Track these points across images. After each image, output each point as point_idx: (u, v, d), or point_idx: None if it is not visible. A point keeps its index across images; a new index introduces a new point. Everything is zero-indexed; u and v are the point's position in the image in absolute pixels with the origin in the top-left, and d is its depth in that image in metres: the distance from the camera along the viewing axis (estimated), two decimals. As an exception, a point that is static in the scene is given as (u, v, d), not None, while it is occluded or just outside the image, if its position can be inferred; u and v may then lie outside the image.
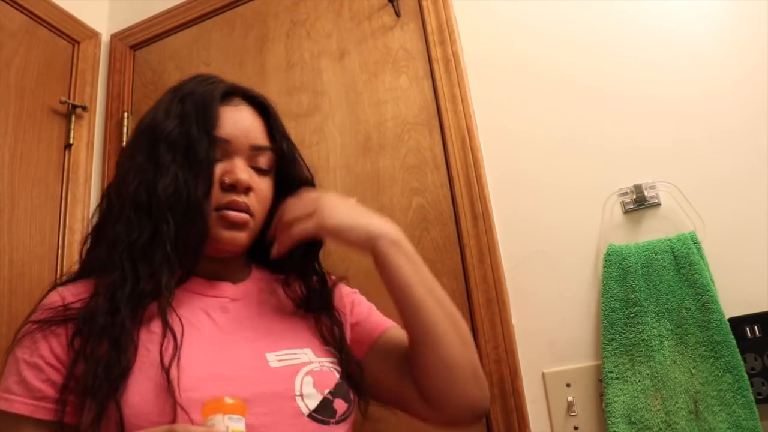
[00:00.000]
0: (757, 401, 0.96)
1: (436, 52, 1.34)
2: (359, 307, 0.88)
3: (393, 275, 0.75)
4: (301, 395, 0.69)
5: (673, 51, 1.20)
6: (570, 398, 1.10)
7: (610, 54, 1.24)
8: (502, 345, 1.13)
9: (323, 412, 0.70)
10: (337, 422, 0.71)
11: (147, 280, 0.68)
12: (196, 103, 0.76)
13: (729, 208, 1.09)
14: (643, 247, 1.09)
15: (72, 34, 1.63)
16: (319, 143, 1.39)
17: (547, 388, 1.13)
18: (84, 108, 1.59)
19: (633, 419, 1.00)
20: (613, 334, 1.06)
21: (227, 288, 0.79)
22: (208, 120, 0.74)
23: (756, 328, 1.01)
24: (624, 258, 1.09)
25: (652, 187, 1.14)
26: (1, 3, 1.44)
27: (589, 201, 1.17)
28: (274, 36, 1.54)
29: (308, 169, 0.88)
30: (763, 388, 0.98)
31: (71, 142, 1.54)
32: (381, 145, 1.33)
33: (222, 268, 0.80)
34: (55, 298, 0.71)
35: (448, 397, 0.75)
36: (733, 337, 0.98)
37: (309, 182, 0.86)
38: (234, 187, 0.75)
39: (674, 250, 1.06)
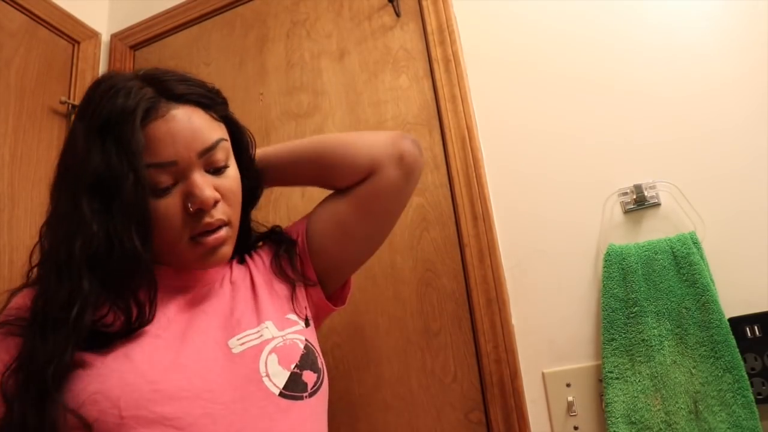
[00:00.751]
0: (757, 401, 0.96)
1: (436, 52, 1.34)
2: (293, 228, 0.90)
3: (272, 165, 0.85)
4: (267, 375, 0.68)
5: (672, 50, 1.20)
6: (570, 398, 1.10)
7: (610, 54, 1.24)
8: (502, 345, 1.13)
9: (294, 387, 0.69)
10: (311, 394, 0.70)
11: (46, 356, 0.61)
12: (117, 132, 0.65)
13: (729, 208, 1.09)
14: (643, 247, 1.09)
15: (72, 34, 1.63)
16: (319, 143, 1.39)
17: (547, 388, 1.13)
18: (84, 108, 1.59)
19: (633, 419, 1.00)
20: (613, 334, 1.06)
21: (191, 276, 0.77)
22: (132, 151, 0.64)
23: (756, 328, 1.01)
24: (624, 258, 1.09)
25: (652, 187, 1.14)
26: (1, 3, 1.44)
27: (589, 201, 1.17)
28: (274, 36, 1.54)
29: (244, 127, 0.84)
30: (763, 388, 0.98)
31: (71, 142, 1.53)
32: (381, 145, 1.33)
33: None
34: (20, 302, 0.68)
35: (366, 169, 0.82)
36: (733, 337, 0.98)
37: (251, 144, 0.84)
38: (202, 210, 0.70)
39: (674, 250, 1.06)
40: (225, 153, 0.74)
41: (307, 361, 0.72)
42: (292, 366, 0.70)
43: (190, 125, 0.70)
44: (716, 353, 0.99)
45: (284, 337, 0.73)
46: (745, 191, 1.09)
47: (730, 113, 1.13)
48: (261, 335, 0.72)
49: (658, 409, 0.99)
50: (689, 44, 1.19)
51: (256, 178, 0.85)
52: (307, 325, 0.80)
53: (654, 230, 1.13)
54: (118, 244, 0.64)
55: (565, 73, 1.26)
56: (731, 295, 1.03)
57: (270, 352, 0.70)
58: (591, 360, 1.11)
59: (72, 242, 0.64)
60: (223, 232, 0.72)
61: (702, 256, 1.05)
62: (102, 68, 1.71)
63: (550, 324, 1.15)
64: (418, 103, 1.33)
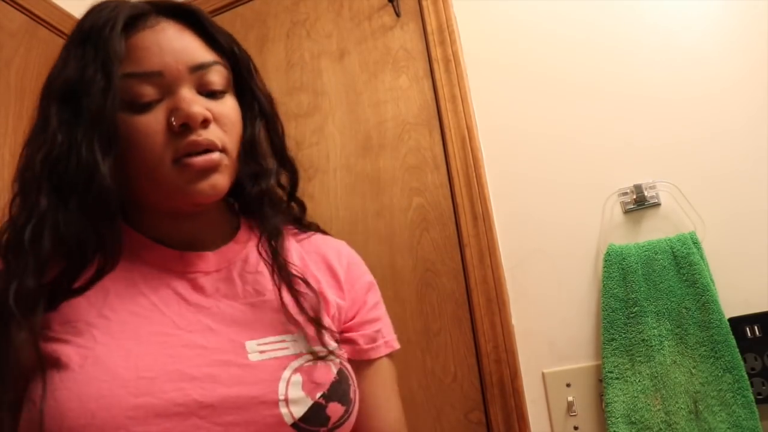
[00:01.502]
0: (757, 401, 0.96)
1: (436, 52, 1.34)
2: (370, 303, 0.72)
3: None
4: (286, 400, 0.55)
5: (672, 51, 1.20)
6: (570, 398, 1.10)
7: (610, 54, 1.24)
8: (502, 345, 1.13)
9: (312, 419, 0.56)
10: (330, 429, 0.58)
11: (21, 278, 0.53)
12: (95, 40, 0.58)
13: (729, 208, 1.09)
14: (643, 247, 1.09)
15: (72, 34, 1.63)
16: (319, 143, 1.39)
17: (547, 388, 1.13)
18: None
19: (633, 419, 1.00)
20: (613, 334, 1.06)
21: (200, 258, 0.64)
22: (107, 55, 0.57)
23: (756, 328, 1.01)
24: (624, 258, 1.09)
25: (652, 187, 1.14)
26: (1, 3, 1.44)
27: (589, 201, 1.17)
28: (274, 36, 1.54)
29: (265, 86, 0.72)
30: (763, 388, 0.98)
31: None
32: (381, 145, 1.33)
33: (195, 229, 0.65)
34: None
35: None
36: (733, 337, 0.98)
37: (269, 99, 0.71)
38: (187, 126, 0.58)
39: (674, 250, 1.06)
40: (223, 79, 0.63)
41: (337, 390, 0.59)
42: (318, 395, 0.57)
43: (182, 40, 0.61)
44: (716, 353, 0.99)
45: (316, 355, 0.60)
46: (745, 191, 1.09)
47: (730, 114, 1.13)
48: (287, 348, 0.59)
49: (658, 409, 0.99)
50: (689, 45, 1.19)
51: (289, 169, 0.71)
52: (337, 342, 0.65)
53: (654, 230, 1.13)
54: (76, 155, 0.55)
55: (565, 74, 1.26)
56: (731, 295, 1.03)
57: (294, 371, 0.57)
58: (591, 360, 1.11)
59: (35, 156, 0.57)
60: (215, 155, 0.59)
61: (702, 256, 1.05)
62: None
63: (550, 324, 1.15)
64: (418, 103, 1.33)
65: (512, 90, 1.30)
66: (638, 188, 1.14)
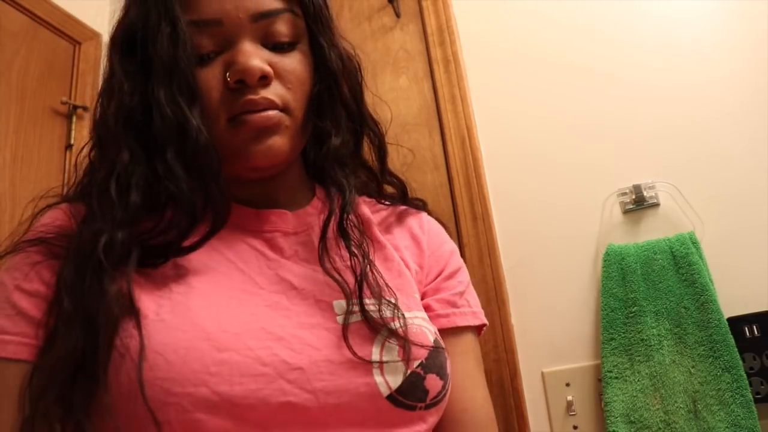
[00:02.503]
0: (756, 400, 0.96)
1: (436, 53, 1.34)
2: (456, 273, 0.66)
3: None
4: (381, 366, 0.49)
5: (672, 51, 1.20)
6: (569, 398, 1.11)
7: (610, 56, 1.24)
8: (501, 344, 1.13)
9: (409, 393, 0.49)
10: (427, 406, 0.51)
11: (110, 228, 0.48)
12: None
13: (728, 209, 1.09)
14: (642, 247, 1.09)
15: (73, 35, 1.63)
16: (319, 143, 1.39)
17: (547, 388, 1.13)
18: (85, 108, 1.59)
19: (632, 419, 1.00)
20: (612, 334, 1.06)
21: (278, 217, 0.58)
22: (169, 3, 0.52)
23: (755, 327, 1.01)
24: (623, 258, 1.09)
25: (651, 187, 1.14)
26: (2, 4, 1.44)
27: (589, 201, 1.18)
28: (274, 37, 1.54)
29: (339, 37, 0.63)
30: (762, 387, 0.99)
31: (72, 142, 1.54)
32: (381, 146, 1.34)
33: (268, 191, 0.59)
34: (58, 216, 0.54)
35: None
36: (731, 336, 0.98)
37: (352, 57, 0.65)
38: (244, 83, 0.52)
39: (673, 250, 1.07)
40: (292, 29, 0.56)
41: (435, 361, 0.53)
42: (416, 364, 0.51)
43: None
44: (715, 353, 0.99)
45: (411, 320, 0.54)
46: (743, 191, 1.09)
47: (729, 114, 1.13)
48: (377, 309, 0.52)
49: (657, 409, 1.00)
50: (689, 45, 1.19)
51: (370, 131, 0.65)
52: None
53: (653, 230, 1.13)
54: (158, 109, 0.50)
55: (565, 74, 1.26)
56: (730, 294, 1.04)
57: (389, 335, 0.51)
58: (590, 359, 1.11)
59: (107, 108, 0.53)
60: (272, 114, 0.53)
61: (701, 256, 1.05)
62: (103, 69, 1.71)
63: (550, 323, 1.15)
64: (418, 104, 1.34)
65: (512, 90, 1.30)
66: (637, 188, 1.14)
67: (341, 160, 0.60)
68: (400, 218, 0.67)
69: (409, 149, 1.31)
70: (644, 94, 1.20)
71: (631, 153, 1.18)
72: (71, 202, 0.55)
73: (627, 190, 1.15)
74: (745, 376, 0.96)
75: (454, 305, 0.62)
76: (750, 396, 0.95)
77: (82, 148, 0.56)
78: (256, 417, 0.44)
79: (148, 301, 0.47)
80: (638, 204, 1.14)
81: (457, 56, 1.32)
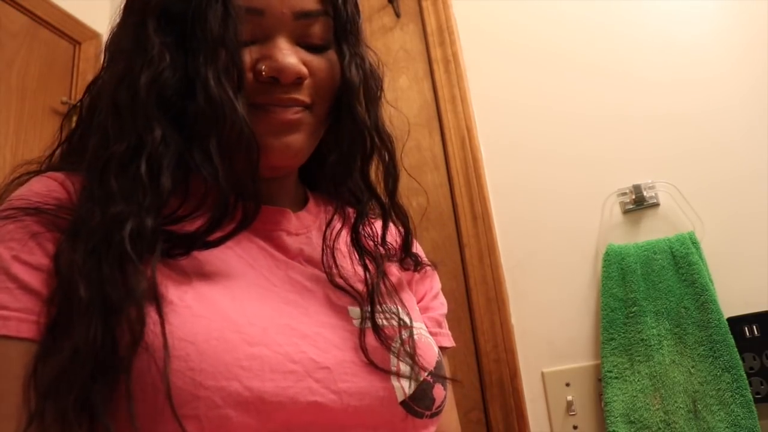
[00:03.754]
0: (756, 400, 0.96)
1: (436, 53, 1.34)
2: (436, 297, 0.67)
3: None
4: (398, 373, 0.49)
5: (672, 51, 1.20)
6: (569, 397, 1.11)
7: (610, 56, 1.24)
8: (501, 344, 1.13)
9: (420, 400, 0.50)
10: (432, 415, 0.51)
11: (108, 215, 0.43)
12: None
13: (728, 209, 1.09)
14: (642, 247, 1.10)
15: (73, 35, 1.63)
16: (319, 143, 1.40)
17: (547, 388, 1.13)
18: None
19: (632, 418, 1.00)
20: (612, 334, 1.06)
21: (282, 215, 0.56)
22: None
23: (754, 327, 1.01)
24: (623, 258, 1.09)
25: (651, 188, 1.14)
26: (2, 4, 1.44)
27: (588, 201, 1.18)
28: (274, 37, 1.54)
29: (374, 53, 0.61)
30: (762, 387, 0.99)
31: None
32: (381, 146, 1.34)
33: (272, 190, 0.56)
34: (54, 187, 0.48)
35: None
36: (731, 336, 0.99)
37: (374, 69, 0.61)
38: (277, 80, 0.49)
39: (673, 250, 1.07)
40: (326, 32, 0.54)
41: (440, 371, 0.53)
42: (426, 373, 0.51)
43: None
44: (715, 353, 0.99)
45: (418, 330, 0.54)
46: (743, 191, 1.09)
47: (729, 114, 1.13)
48: (389, 318, 0.53)
49: (657, 409, 1.00)
50: (689, 45, 1.19)
51: (379, 144, 0.60)
52: None
53: (653, 230, 1.13)
54: (202, 88, 0.46)
55: (565, 75, 1.26)
56: (730, 294, 1.04)
57: (403, 343, 0.51)
58: (590, 359, 1.11)
59: (138, 76, 0.47)
60: (299, 112, 0.51)
61: (701, 256, 1.06)
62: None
63: (550, 323, 1.15)
64: (418, 104, 1.34)
65: (512, 90, 1.30)
66: (637, 188, 1.14)
67: (339, 176, 0.58)
68: (390, 231, 0.65)
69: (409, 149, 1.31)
70: (644, 95, 1.20)
71: (630, 153, 1.18)
72: (67, 173, 0.49)
73: (627, 190, 1.15)
74: (744, 376, 0.96)
75: (440, 325, 0.64)
76: (750, 396, 0.95)
77: (69, 110, 0.51)
78: (282, 416, 0.42)
79: (172, 288, 0.43)
80: (638, 204, 1.14)
81: (457, 56, 1.32)
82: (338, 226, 0.57)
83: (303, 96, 0.51)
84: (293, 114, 0.50)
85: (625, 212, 1.16)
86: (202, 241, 0.46)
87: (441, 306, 0.66)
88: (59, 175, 0.48)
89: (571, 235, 1.18)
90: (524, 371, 1.14)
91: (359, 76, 0.56)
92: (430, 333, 0.59)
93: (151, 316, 0.40)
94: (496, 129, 1.29)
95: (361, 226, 0.56)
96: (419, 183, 1.28)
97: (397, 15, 1.41)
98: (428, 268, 0.67)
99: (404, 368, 0.49)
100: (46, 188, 0.47)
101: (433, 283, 0.67)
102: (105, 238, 0.41)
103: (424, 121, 1.32)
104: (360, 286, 0.53)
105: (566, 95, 1.25)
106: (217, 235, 0.47)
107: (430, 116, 1.32)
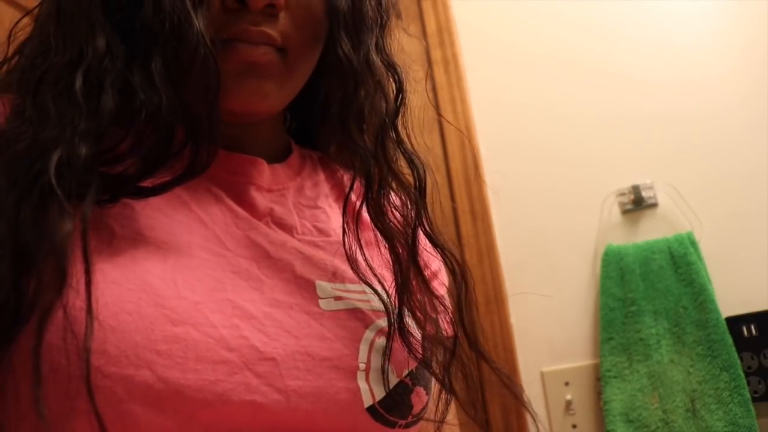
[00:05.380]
0: (754, 399, 0.97)
1: (436, 54, 1.35)
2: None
3: None
4: (367, 370, 0.40)
5: (671, 51, 1.21)
6: (568, 397, 1.11)
7: (609, 56, 1.25)
8: (500, 344, 1.14)
9: (393, 406, 0.41)
10: (407, 425, 0.42)
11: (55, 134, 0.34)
12: None
13: (726, 209, 1.10)
14: (640, 247, 1.10)
15: (74, 36, 1.64)
16: (319, 144, 1.40)
17: (546, 387, 1.13)
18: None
19: (631, 417, 1.01)
20: (611, 333, 1.07)
21: (252, 165, 0.45)
22: None
23: (752, 327, 1.02)
24: (622, 258, 1.10)
25: (650, 188, 1.14)
26: (3, 5, 1.45)
27: (587, 201, 1.18)
28: (274, 37, 1.55)
29: None
30: (760, 386, 0.99)
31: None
32: (381, 146, 1.34)
33: (237, 134, 0.45)
34: None
35: None
36: (729, 336, 0.99)
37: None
38: (245, 6, 0.40)
39: (672, 249, 1.07)
40: None
41: (424, 372, 0.44)
42: (405, 372, 0.42)
43: None
44: (713, 352, 0.99)
45: (401, 319, 0.44)
46: (742, 191, 1.10)
47: (727, 115, 1.14)
48: (368, 300, 0.43)
49: (656, 408, 1.00)
50: (687, 45, 1.20)
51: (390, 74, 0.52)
52: None
53: (652, 230, 1.13)
54: (151, 5, 0.37)
55: (565, 75, 1.27)
56: (728, 294, 1.04)
57: (379, 333, 0.42)
58: (589, 359, 1.12)
59: None
60: (268, 50, 0.41)
61: (699, 256, 1.06)
62: None
63: (549, 323, 1.16)
64: (418, 105, 1.34)
65: (511, 91, 1.31)
66: (636, 189, 1.14)
67: (362, 120, 0.47)
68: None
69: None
70: (642, 96, 1.20)
71: (629, 154, 1.18)
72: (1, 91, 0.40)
73: (626, 191, 1.16)
74: (743, 375, 0.97)
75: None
76: (748, 395, 0.96)
77: (21, 18, 0.42)
78: (209, 418, 0.34)
79: (101, 260, 0.34)
80: (637, 204, 1.14)
81: (457, 57, 1.32)
82: (333, 183, 0.49)
83: (275, 32, 0.42)
84: (261, 55, 0.41)
85: (624, 212, 1.16)
86: (132, 186, 0.36)
87: (439, 287, 0.55)
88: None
89: (570, 236, 1.18)
90: (523, 371, 1.15)
91: (347, 5, 0.45)
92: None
93: (75, 274, 0.31)
94: (496, 129, 1.30)
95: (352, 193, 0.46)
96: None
97: (397, 16, 1.41)
98: (429, 250, 0.54)
99: (376, 364, 0.40)
100: None
101: (429, 264, 0.56)
102: (29, 167, 0.32)
103: (424, 121, 1.32)
104: (334, 259, 0.44)
105: (565, 96, 1.26)
106: (156, 181, 0.37)
107: (429, 117, 1.32)
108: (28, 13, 0.42)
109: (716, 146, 1.13)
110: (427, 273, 0.51)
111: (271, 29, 0.41)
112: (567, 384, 1.12)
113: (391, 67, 0.51)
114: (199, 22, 0.37)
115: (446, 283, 0.58)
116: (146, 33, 0.37)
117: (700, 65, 1.18)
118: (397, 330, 0.42)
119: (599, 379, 1.07)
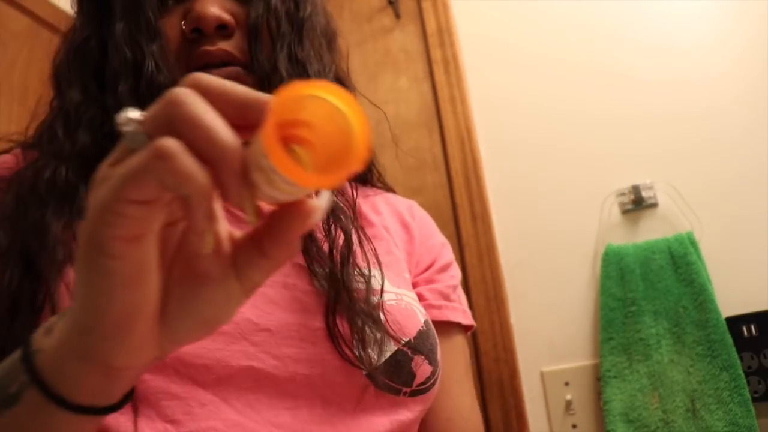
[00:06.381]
0: (754, 399, 0.97)
1: (436, 54, 1.35)
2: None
3: None
4: (362, 337, 0.43)
5: (672, 51, 1.21)
6: (568, 397, 1.11)
7: (609, 56, 1.25)
8: (500, 344, 1.14)
9: (394, 372, 0.43)
10: (413, 393, 0.45)
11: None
12: None
13: (726, 209, 1.10)
14: (640, 247, 1.10)
15: (74, 36, 1.64)
16: (319, 144, 1.40)
17: (546, 387, 1.13)
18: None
19: (631, 417, 1.01)
20: (611, 333, 1.07)
21: None
22: None
23: (752, 327, 1.01)
24: (622, 258, 1.10)
25: (650, 188, 1.14)
26: (5, 6, 1.45)
27: (588, 201, 1.18)
28: (275, 38, 1.55)
29: None
30: (759, 386, 0.99)
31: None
32: (381, 146, 1.34)
33: None
34: (7, 159, 0.50)
35: None
36: (729, 336, 0.99)
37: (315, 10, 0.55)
38: (201, 32, 0.47)
39: (672, 250, 1.07)
40: None
41: (425, 343, 0.46)
42: (403, 340, 0.45)
43: None
44: (713, 352, 0.99)
45: (399, 296, 0.48)
46: (742, 192, 1.10)
47: (727, 115, 1.14)
48: (361, 281, 0.46)
49: (656, 408, 1.00)
50: (687, 45, 1.20)
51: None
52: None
53: (652, 230, 1.13)
54: (113, 46, 0.47)
55: (565, 75, 1.27)
56: (728, 294, 1.04)
57: (373, 309, 0.45)
58: (589, 359, 1.12)
59: (66, 49, 0.50)
60: (231, 69, 0.47)
61: (699, 256, 1.06)
62: None
63: (549, 323, 1.16)
64: (418, 105, 1.34)
65: (511, 91, 1.31)
66: (636, 189, 1.14)
67: None
68: (389, 202, 0.62)
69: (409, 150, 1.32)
70: (642, 96, 1.20)
71: (629, 154, 1.18)
72: (25, 149, 0.51)
73: (626, 191, 1.16)
74: (743, 375, 0.97)
75: (446, 298, 0.57)
76: (748, 395, 0.96)
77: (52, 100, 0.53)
78: (211, 378, 0.38)
79: None
80: (637, 204, 1.14)
81: (457, 57, 1.33)
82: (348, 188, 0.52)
83: (233, 48, 0.48)
84: (227, 76, 0.44)
85: (624, 212, 1.16)
86: None
87: (450, 278, 0.58)
88: (18, 150, 0.51)
89: (571, 236, 1.18)
90: (523, 371, 1.15)
91: (262, 12, 0.49)
92: (432, 306, 0.54)
93: (70, 273, 0.38)
94: (496, 129, 1.30)
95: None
96: (419, 183, 1.28)
97: (397, 16, 1.42)
98: (438, 238, 0.61)
99: (370, 335, 0.43)
100: (1, 161, 0.50)
101: (440, 254, 0.60)
102: (27, 186, 0.44)
103: (424, 121, 1.33)
104: (326, 246, 0.47)
105: (565, 96, 1.26)
106: None
107: (429, 117, 1.32)
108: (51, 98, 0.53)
109: (716, 146, 1.13)
110: (438, 265, 0.57)
111: (228, 47, 0.47)
112: (567, 384, 1.12)
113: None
114: (154, 55, 0.46)
115: (459, 275, 0.61)
116: (113, 73, 0.47)
117: (700, 65, 1.18)
118: (396, 306, 0.45)
119: (599, 379, 1.07)
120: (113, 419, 0.36)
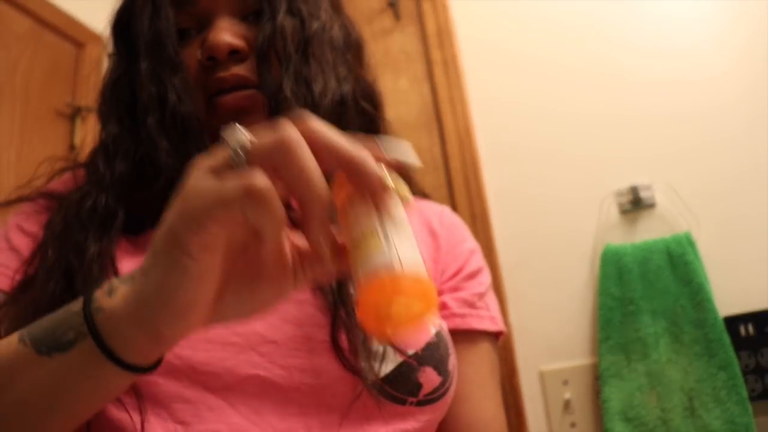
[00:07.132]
0: (751, 398, 0.97)
1: (435, 55, 1.35)
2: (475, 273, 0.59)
3: None
4: (368, 350, 0.45)
5: (670, 52, 1.21)
6: (567, 396, 1.12)
7: (608, 57, 1.25)
8: (500, 343, 1.14)
9: (399, 383, 0.44)
10: (420, 403, 0.45)
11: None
12: None
13: (723, 209, 1.10)
14: (639, 247, 1.11)
15: (76, 37, 1.65)
16: (320, 145, 1.41)
17: (545, 386, 1.14)
18: (89, 110, 1.61)
19: (629, 416, 1.01)
20: (609, 333, 1.07)
21: None
22: None
23: (750, 326, 1.02)
24: (620, 258, 1.10)
25: (648, 188, 1.15)
26: (7, 7, 1.46)
27: (586, 202, 1.19)
28: (275, 39, 1.55)
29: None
30: (757, 385, 1.00)
31: (76, 143, 1.56)
32: (381, 147, 1.35)
33: None
34: (67, 178, 0.57)
35: None
36: (727, 335, 0.99)
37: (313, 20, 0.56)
38: (215, 60, 0.50)
39: (670, 249, 1.08)
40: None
41: (434, 354, 0.47)
42: (409, 353, 0.45)
43: None
44: (711, 351, 1.00)
45: None
46: (739, 192, 1.10)
47: (725, 115, 1.14)
48: None
49: (654, 407, 1.01)
50: (685, 46, 1.20)
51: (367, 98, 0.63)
52: None
53: (650, 230, 1.14)
54: (140, 84, 0.51)
55: (564, 76, 1.27)
56: (726, 294, 1.05)
57: None
58: (588, 358, 1.12)
59: (103, 88, 0.56)
60: (246, 93, 0.50)
61: (697, 256, 1.07)
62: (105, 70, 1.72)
63: (548, 323, 1.16)
64: (418, 105, 1.35)
65: (510, 92, 1.31)
66: (634, 189, 1.15)
67: None
68: (419, 209, 0.62)
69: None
70: (640, 96, 1.21)
71: (627, 154, 1.19)
72: (81, 167, 0.57)
73: (624, 191, 1.16)
74: (740, 374, 0.97)
75: (471, 306, 0.56)
76: (745, 394, 0.96)
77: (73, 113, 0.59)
78: (219, 384, 0.42)
79: (129, 264, 0.47)
80: (635, 205, 1.15)
81: (456, 58, 1.33)
82: None
83: (246, 72, 0.50)
84: (243, 98, 0.50)
85: (622, 213, 1.17)
86: (156, 216, 0.44)
87: (478, 285, 0.58)
88: (79, 170, 0.57)
89: (569, 236, 1.19)
90: (522, 370, 1.15)
91: (269, 34, 0.51)
92: (455, 314, 0.54)
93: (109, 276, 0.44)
94: (495, 130, 1.30)
95: None
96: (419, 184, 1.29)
97: (397, 17, 1.42)
98: (467, 245, 0.61)
99: (375, 348, 0.44)
100: (63, 180, 0.56)
101: (468, 261, 0.59)
102: (73, 211, 0.49)
103: (424, 122, 1.33)
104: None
105: (564, 97, 1.26)
106: None
107: (429, 118, 1.33)
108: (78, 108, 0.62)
109: (714, 147, 1.14)
110: (465, 273, 0.58)
111: (242, 70, 0.50)
112: (566, 383, 1.13)
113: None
114: (176, 88, 0.50)
115: (488, 282, 0.60)
116: (142, 108, 0.51)
117: (699, 66, 1.18)
118: None
119: (598, 378, 1.07)
120: (128, 420, 0.40)
